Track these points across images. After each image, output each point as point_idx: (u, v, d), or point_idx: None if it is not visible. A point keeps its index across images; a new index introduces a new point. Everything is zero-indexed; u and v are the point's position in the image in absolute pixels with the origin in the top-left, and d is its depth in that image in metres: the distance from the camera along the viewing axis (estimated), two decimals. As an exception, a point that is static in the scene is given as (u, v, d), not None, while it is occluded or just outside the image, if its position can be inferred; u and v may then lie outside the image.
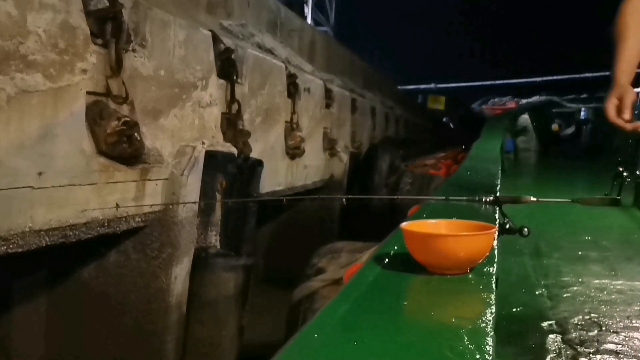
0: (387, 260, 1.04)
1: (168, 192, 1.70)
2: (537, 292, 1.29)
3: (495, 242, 1.01)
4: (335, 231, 3.42)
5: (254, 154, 2.26)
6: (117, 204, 1.51)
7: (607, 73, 1.37)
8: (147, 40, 1.61)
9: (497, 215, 1.18)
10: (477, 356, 0.66)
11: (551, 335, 0.93)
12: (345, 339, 0.72)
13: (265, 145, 2.55)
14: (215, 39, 2.04)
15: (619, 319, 1.09)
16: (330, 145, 3.63)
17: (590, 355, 0.85)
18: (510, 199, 1.05)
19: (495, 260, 1.02)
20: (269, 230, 3.38)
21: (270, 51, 2.83)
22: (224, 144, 2.02)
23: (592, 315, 1.10)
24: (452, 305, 0.86)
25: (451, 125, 14.30)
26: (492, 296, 0.83)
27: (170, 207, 1.70)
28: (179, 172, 1.72)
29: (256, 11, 2.88)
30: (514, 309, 1.07)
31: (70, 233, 1.37)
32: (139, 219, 1.63)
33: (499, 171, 2.98)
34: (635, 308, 1.22)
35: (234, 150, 2.04)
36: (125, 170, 1.52)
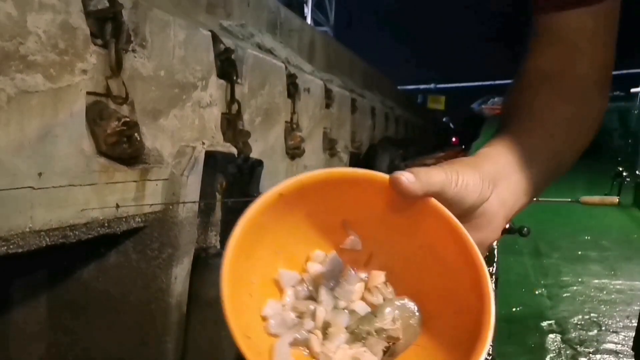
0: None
1: (168, 192, 1.70)
2: (537, 292, 1.29)
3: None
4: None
5: (254, 154, 2.26)
6: (117, 204, 1.51)
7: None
8: (147, 41, 1.61)
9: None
10: (477, 356, 0.66)
11: (551, 335, 0.93)
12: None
13: (265, 145, 2.55)
14: (215, 39, 2.04)
15: (618, 319, 1.09)
16: (330, 145, 3.63)
17: (590, 354, 0.85)
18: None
19: (495, 260, 1.02)
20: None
21: (270, 51, 2.83)
22: (224, 144, 2.02)
23: (592, 314, 1.10)
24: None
25: (451, 125, 14.30)
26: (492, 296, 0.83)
27: (170, 207, 1.70)
28: (179, 173, 1.72)
29: (256, 11, 2.88)
30: (514, 309, 1.07)
31: (70, 233, 1.37)
32: (139, 219, 1.63)
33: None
34: (635, 307, 1.22)
35: (234, 151, 2.05)
36: (125, 171, 1.52)
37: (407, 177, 0.47)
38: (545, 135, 0.62)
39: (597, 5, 0.62)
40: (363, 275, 0.52)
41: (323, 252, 0.52)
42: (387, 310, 0.48)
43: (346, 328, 0.48)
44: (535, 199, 0.63)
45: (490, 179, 0.54)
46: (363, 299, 0.50)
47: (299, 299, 0.50)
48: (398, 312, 0.48)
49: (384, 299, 0.50)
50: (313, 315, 0.49)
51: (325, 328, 0.48)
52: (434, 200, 0.48)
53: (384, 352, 0.47)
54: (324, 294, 0.50)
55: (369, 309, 0.50)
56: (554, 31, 0.65)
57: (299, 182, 0.49)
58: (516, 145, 0.60)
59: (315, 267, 0.51)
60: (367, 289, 0.51)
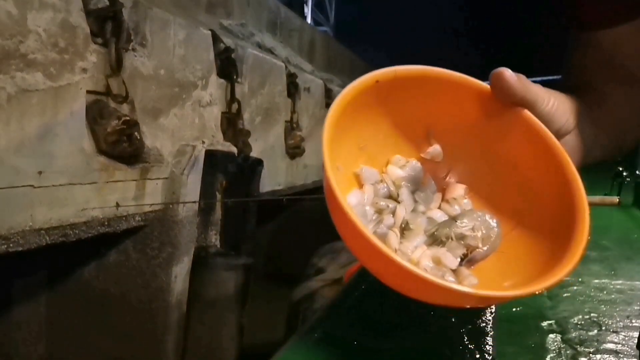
0: (387, 259, 1.03)
1: (168, 191, 1.70)
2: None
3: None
4: (335, 231, 3.41)
5: (254, 154, 2.26)
6: (117, 203, 1.51)
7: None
8: (147, 40, 1.61)
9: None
10: (477, 356, 0.66)
11: (551, 335, 0.93)
12: (345, 339, 0.72)
13: (265, 144, 2.55)
14: (215, 39, 2.04)
15: (618, 319, 1.09)
16: (330, 145, 3.62)
17: (590, 354, 0.85)
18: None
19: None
20: (269, 229, 3.38)
21: (270, 51, 2.83)
22: (224, 144, 2.02)
23: (592, 314, 1.10)
24: (452, 304, 0.86)
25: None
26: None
27: (171, 206, 1.70)
28: (179, 172, 1.72)
29: (256, 11, 2.88)
30: (514, 309, 1.07)
31: (71, 232, 1.37)
32: (139, 218, 1.63)
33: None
34: (635, 307, 1.22)
35: (234, 150, 2.05)
36: (125, 170, 1.52)
37: (511, 74, 0.47)
38: (607, 108, 0.62)
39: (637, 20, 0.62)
40: (442, 185, 0.51)
41: (404, 157, 0.51)
42: (468, 219, 0.47)
43: (425, 231, 0.47)
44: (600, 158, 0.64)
45: (576, 113, 0.54)
46: (441, 209, 0.50)
47: (378, 197, 0.49)
48: (478, 223, 0.47)
49: (461, 211, 0.49)
50: (392, 213, 0.48)
51: (404, 227, 0.48)
52: (526, 111, 0.47)
53: (462, 259, 0.46)
54: (405, 194, 0.49)
55: (446, 217, 0.49)
56: (597, 43, 0.65)
57: (394, 72, 0.46)
58: (592, 108, 0.60)
59: (395, 170, 0.51)
60: (445, 200, 0.50)
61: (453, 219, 0.48)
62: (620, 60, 0.65)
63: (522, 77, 0.48)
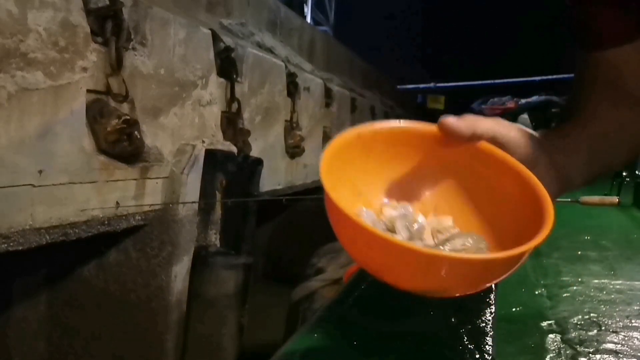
0: (387, 259, 1.03)
1: (168, 190, 1.70)
2: (536, 292, 1.29)
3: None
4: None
5: (254, 153, 2.26)
6: (117, 203, 1.51)
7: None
8: (147, 39, 1.61)
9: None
10: (477, 356, 0.66)
11: (551, 335, 0.93)
12: (345, 339, 0.72)
13: (265, 144, 2.55)
14: (215, 38, 2.04)
15: (618, 319, 1.09)
16: (330, 145, 3.62)
17: (590, 354, 0.85)
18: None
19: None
20: (269, 229, 3.39)
21: (270, 50, 2.83)
22: (224, 143, 2.02)
23: (592, 315, 1.10)
24: (452, 304, 0.85)
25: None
26: (492, 296, 0.83)
27: (170, 205, 1.70)
28: (179, 171, 1.72)
29: (256, 10, 2.88)
30: (514, 309, 1.07)
31: (71, 231, 1.37)
32: (139, 218, 1.63)
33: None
34: (635, 308, 1.22)
35: (234, 149, 2.05)
36: (125, 169, 1.52)
37: (453, 119, 0.52)
38: (597, 131, 0.65)
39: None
40: (431, 220, 0.57)
41: (394, 200, 0.58)
42: (458, 239, 0.53)
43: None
44: (579, 186, 0.66)
45: (536, 146, 0.57)
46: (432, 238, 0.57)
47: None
48: (468, 241, 0.53)
49: (453, 234, 0.56)
50: None
51: None
52: (482, 142, 0.54)
53: None
54: (400, 225, 0.56)
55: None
56: (600, 63, 0.67)
57: (373, 130, 0.54)
58: (569, 134, 0.64)
59: (390, 211, 0.57)
60: (435, 231, 0.57)
61: (446, 240, 0.55)
62: (621, 81, 0.66)
63: (468, 117, 0.53)
